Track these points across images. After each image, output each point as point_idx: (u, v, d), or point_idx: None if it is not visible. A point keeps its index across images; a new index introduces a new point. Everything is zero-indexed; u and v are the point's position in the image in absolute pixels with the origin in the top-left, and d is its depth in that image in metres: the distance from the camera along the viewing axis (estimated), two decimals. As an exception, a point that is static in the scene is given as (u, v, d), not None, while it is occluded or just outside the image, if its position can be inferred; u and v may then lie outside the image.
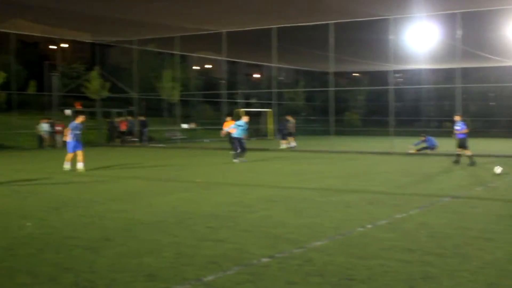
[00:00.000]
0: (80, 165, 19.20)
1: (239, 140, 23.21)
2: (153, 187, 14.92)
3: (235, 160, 22.76)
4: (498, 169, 17.98)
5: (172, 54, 46.64)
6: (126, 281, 6.25)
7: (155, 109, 58.90)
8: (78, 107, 42.69)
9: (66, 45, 67.43)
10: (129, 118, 40.46)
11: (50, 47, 73.16)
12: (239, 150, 23.16)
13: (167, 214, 10.49)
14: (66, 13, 29.83)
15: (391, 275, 6.46)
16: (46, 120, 37.16)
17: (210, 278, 6.36)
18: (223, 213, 10.65)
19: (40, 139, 36.41)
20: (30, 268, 6.80)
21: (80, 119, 19.88)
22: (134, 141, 38.95)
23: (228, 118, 29.99)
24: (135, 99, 42.86)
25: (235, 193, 13.54)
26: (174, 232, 8.85)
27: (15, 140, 37.49)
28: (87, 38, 42.57)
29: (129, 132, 39.69)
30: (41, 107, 49.71)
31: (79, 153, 19.36)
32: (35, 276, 6.44)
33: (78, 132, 19.46)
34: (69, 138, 19.45)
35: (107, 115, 43.58)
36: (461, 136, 21.35)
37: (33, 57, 68.34)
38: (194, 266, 6.85)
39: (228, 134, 29.24)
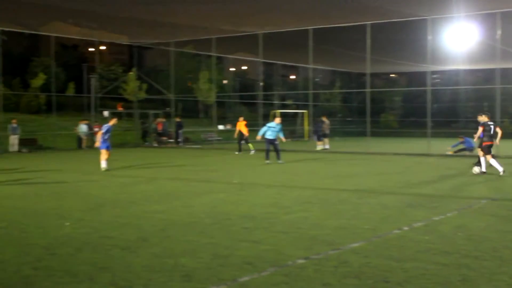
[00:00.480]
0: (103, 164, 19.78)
1: (271, 142, 23.13)
2: (189, 188, 15.01)
3: (267, 161, 22.68)
4: (476, 169, 18.05)
5: (209, 56, 46.84)
6: (162, 281, 6.29)
7: (192, 110, 59.30)
8: (120, 109, 43.11)
9: (104, 48, 68.21)
10: (163, 119, 40.71)
11: (89, 49, 74.16)
12: (276, 153, 23.09)
13: (203, 215, 10.53)
14: (104, 16, 30.23)
15: (427, 277, 6.38)
16: (84, 122, 37.67)
17: (245, 279, 6.36)
18: (259, 214, 10.66)
19: (79, 140, 36.94)
20: (68, 267, 6.90)
21: (112, 121, 20.20)
22: (169, 142, 39.20)
23: (241, 119, 30.40)
24: (171, 100, 43.16)
25: (271, 194, 13.52)
26: (210, 233, 8.88)
27: (55, 141, 38.09)
28: (125, 40, 43.06)
29: (164, 133, 39.96)
30: (80, 108, 50.44)
31: (106, 153, 19.83)
32: (73, 275, 6.53)
33: (108, 134, 19.82)
34: (98, 142, 19.88)
35: (144, 116, 43.97)
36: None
37: (72, 59, 69.43)
38: (230, 267, 6.86)
39: (239, 134, 29.60)
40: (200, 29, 33.68)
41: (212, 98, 50.76)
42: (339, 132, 49.57)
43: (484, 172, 17.93)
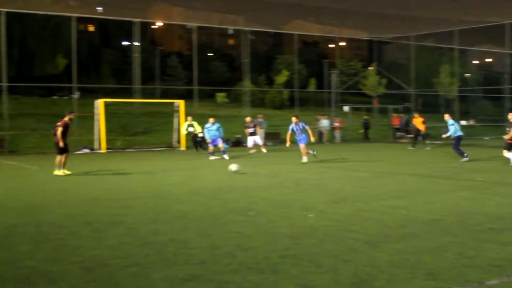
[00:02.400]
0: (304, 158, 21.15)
1: None
2: (431, 185, 14.65)
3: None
4: (233, 167, 17.01)
5: (451, 49, 45.23)
6: (405, 277, 6.24)
7: (432, 105, 57.72)
8: (376, 104, 43.31)
9: (344, 43, 69.16)
10: (402, 115, 40.13)
11: (329, 45, 75.71)
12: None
13: (446, 213, 10.22)
14: (344, 12, 30.72)
15: None
16: (325, 116, 38.60)
17: (493, 282, 6.07)
18: (506, 214, 10.06)
19: (320, 134, 37.97)
20: (313, 257, 7.14)
21: (294, 119, 21.76)
22: (406, 138, 38.59)
23: (416, 115, 29.09)
24: (411, 95, 42.44)
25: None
26: (454, 232, 8.59)
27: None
28: (365, 35, 43.30)
29: (402, 129, 39.36)
30: (320, 103, 51.76)
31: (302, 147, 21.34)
32: (318, 266, 6.75)
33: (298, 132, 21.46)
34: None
35: (383, 111, 43.83)
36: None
37: (313, 56, 71.44)
38: (476, 268, 6.59)
39: (416, 130, 27.90)
40: (442, 21, 32.70)
41: (453, 92, 48.95)
42: None
43: None
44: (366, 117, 40.94)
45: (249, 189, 13.81)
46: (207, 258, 7.11)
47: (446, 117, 23.81)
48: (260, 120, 36.04)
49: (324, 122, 37.88)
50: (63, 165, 17.67)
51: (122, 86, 53.90)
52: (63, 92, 62.02)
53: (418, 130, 30.00)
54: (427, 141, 30.20)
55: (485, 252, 7.30)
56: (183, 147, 31.06)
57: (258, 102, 60.70)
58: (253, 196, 12.55)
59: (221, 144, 24.11)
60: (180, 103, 32.32)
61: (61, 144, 17.46)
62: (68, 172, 17.61)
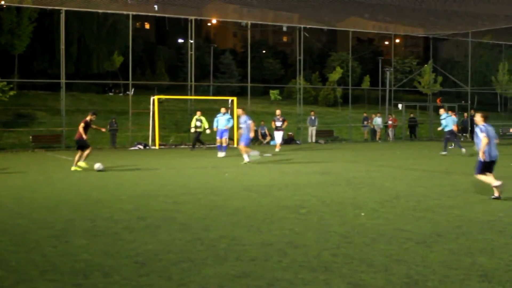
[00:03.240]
0: None
1: None
2: (485, 185, 14.32)
3: None
4: (97, 166, 17.16)
5: (510, 46, 44.14)
6: (459, 279, 6.14)
7: (489, 103, 56.51)
8: (439, 103, 42.50)
9: (398, 40, 68.33)
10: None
11: (384, 42, 74.89)
12: None
13: (501, 213, 10.00)
14: (400, 8, 30.31)
15: None
16: (378, 114, 38.23)
17: (551, 285, 5.91)
18: None
19: (373, 132, 37.65)
20: (364, 256, 7.10)
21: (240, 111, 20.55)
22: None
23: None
24: (468, 93, 41.61)
25: None
26: (510, 233, 8.40)
27: (349, 133, 39.34)
28: (421, 32, 42.66)
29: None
30: (375, 101, 51.31)
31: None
32: (369, 265, 6.70)
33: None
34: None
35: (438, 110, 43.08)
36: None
37: (367, 53, 70.88)
38: (533, 271, 6.43)
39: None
40: (501, 18, 31.93)
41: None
42: None
43: None
44: (412, 115, 40.20)
45: (301, 187, 13.79)
46: (258, 255, 7.14)
47: (441, 111, 25.46)
48: (313, 117, 35.93)
49: (378, 120, 37.52)
50: (84, 158, 18.18)
51: (176, 83, 54.59)
52: (118, 88, 63.20)
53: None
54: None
55: (543, 255, 7.13)
56: (235, 144, 31.24)
57: (311, 100, 60.63)
58: (304, 194, 12.54)
59: (224, 139, 23.96)
60: (234, 100, 32.50)
61: (85, 137, 18.08)
62: (84, 165, 18.01)
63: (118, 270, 6.54)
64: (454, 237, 8.14)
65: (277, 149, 26.38)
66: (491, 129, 11.71)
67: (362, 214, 10.02)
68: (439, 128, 25.39)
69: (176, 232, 8.50)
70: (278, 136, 27.70)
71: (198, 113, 28.42)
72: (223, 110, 24.56)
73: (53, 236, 8.29)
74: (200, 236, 8.25)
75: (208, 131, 27.95)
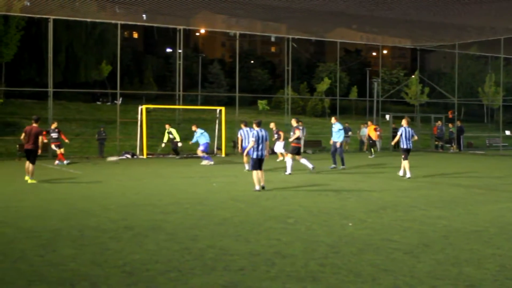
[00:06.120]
0: None
1: None
2: (473, 195, 14.43)
3: None
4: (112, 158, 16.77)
5: (496, 57, 44.53)
6: (446, 289, 6.18)
7: (475, 114, 56.95)
8: (450, 116, 42.37)
9: (386, 52, 68.74)
10: (439, 123, 39.38)
11: (372, 54, 75.30)
12: None
13: (488, 224, 10.08)
14: (388, 20, 30.50)
15: None
16: (365, 125, 38.34)
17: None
18: (551, 227, 9.86)
19: (361, 143, 37.77)
20: (352, 266, 7.12)
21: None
22: (444, 147, 38.01)
23: (370, 123, 29.30)
24: (454, 104, 41.87)
25: None
26: (496, 243, 8.47)
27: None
28: (408, 43, 42.93)
29: (440, 138, 38.74)
30: (362, 112, 51.52)
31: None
32: (357, 275, 6.73)
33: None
34: None
35: (425, 120, 43.32)
36: None
37: (355, 64, 71.27)
38: (519, 281, 6.48)
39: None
40: (487, 30, 32.23)
41: (498, 101, 48.15)
42: None
43: None
44: (394, 125, 40.04)
45: (288, 197, 13.81)
46: (246, 265, 7.15)
47: (333, 120, 23.74)
48: (300, 127, 35.95)
49: (365, 131, 37.63)
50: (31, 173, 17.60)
51: (164, 92, 54.57)
52: (106, 97, 63.06)
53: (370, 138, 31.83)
54: (374, 149, 31.02)
55: (529, 265, 7.18)
56: (223, 154, 31.20)
57: (299, 110, 60.80)
58: (292, 204, 12.57)
59: (199, 151, 24.70)
60: (222, 110, 32.51)
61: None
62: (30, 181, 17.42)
63: (106, 279, 6.52)
64: (441, 248, 8.18)
65: (278, 159, 26.65)
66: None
67: (350, 224, 10.05)
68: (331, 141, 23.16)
69: (163, 242, 8.48)
70: (278, 146, 27.67)
71: (167, 126, 28.81)
72: (194, 127, 25.20)
73: (40, 246, 8.25)
74: (188, 245, 8.24)
75: (180, 144, 28.28)
